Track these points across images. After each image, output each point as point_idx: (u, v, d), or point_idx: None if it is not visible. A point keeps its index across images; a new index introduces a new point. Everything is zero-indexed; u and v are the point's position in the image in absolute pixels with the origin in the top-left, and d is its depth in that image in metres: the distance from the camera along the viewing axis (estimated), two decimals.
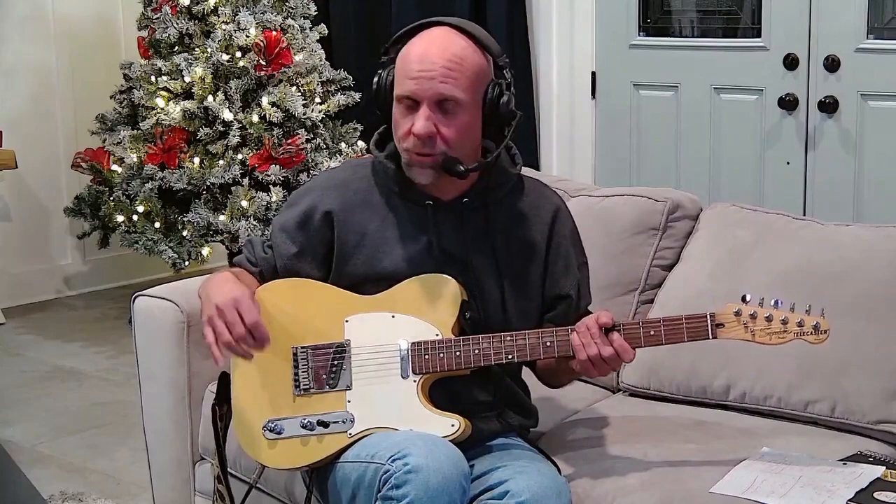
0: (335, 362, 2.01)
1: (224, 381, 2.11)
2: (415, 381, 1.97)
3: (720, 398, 2.34)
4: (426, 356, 1.97)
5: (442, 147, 1.97)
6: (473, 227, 2.07)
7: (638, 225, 2.58)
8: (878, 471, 1.94)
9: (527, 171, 2.63)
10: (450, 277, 2.01)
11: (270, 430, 2.00)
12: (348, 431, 1.97)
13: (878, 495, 1.85)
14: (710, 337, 1.93)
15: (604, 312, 1.95)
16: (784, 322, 1.89)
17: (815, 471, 1.96)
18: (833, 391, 2.23)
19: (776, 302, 1.90)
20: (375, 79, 2.05)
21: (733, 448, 2.09)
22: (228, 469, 2.31)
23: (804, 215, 3.50)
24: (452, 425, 1.94)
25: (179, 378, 2.53)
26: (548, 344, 1.95)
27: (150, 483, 2.67)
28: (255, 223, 4.19)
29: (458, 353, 1.96)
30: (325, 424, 1.98)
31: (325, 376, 2.00)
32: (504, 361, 1.96)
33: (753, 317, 1.90)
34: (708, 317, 1.92)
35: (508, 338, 1.96)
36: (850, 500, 1.84)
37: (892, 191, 3.79)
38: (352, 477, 1.90)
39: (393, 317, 2.01)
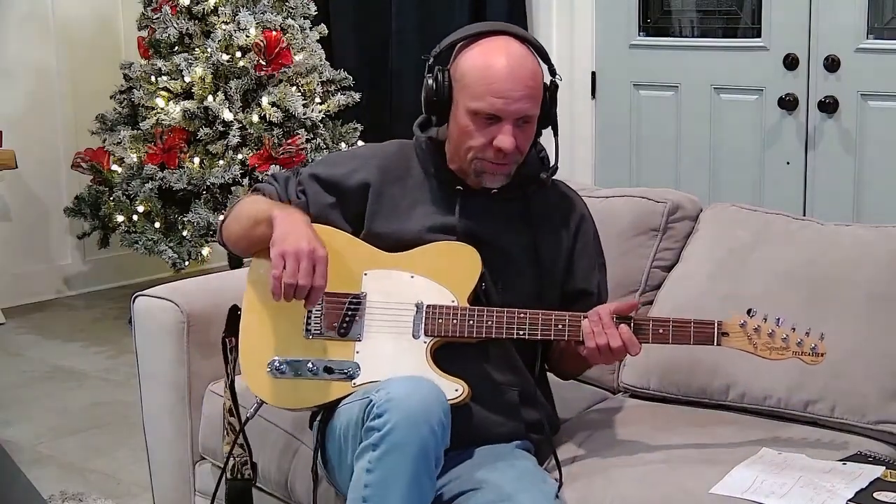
0: (349, 312, 2.05)
1: (233, 313, 2.14)
2: (425, 343, 2.01)
3: (720, 398, 2.34)
4: (440, 320, 2.01)
5: (516, 155, 2.07)
6: (502, 215, 2.13)
7: (638, 226, 2.58)
8: (878, 471, 1.94)
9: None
10: (471, 247, 2.06)
11: (276, 369, 2.03)
12: (353, 381, 2.00)
13: (878, 495, 1.85)
14: (715, 343, 1.99)
15: (622, 303, 2.02)
16: (785, 340, 1.97)
17: (815, 471, 1.96)
18: (833, 391, 2.23)
19: (778, 320, 1.98)
20: (431, 81, 2.06)
21: (733, 448, 2.09)
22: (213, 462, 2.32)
23: (804, 215, 3.51)
24: (456, 389, 1.96)
25: (179, 378, 2.52)
26: (559, 326, 2.00)
27: (150, 483, 2.67)
28: None
29: (471, 322, 2.00)
30: (330, 371, 2.01)
31: (336, 324, 2.04)
32: (515, 336, 2.00)
33: (757, 330, 1.98)
34: (716, 324, 1.99)
35: (522, 314, 2.00)
36: (850, 500, 1.84)
37: (892, 191, 3.79)
38: (347, 416, 1.95)
39: (412, 277, 2.06)
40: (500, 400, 2.07)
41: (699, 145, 4.22)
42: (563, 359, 2.18)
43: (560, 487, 2.01)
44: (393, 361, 2.00)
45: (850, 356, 2.24)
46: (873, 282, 2.29)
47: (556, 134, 2.17)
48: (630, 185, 4.07)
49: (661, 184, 3.86)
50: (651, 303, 2.52)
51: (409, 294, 2.04)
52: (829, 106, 3.85)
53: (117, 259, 5.23)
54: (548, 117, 2.13)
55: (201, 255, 4.36)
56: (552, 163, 2.20)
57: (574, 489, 2.00)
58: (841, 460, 2.02)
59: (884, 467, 1.96)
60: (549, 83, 2.12)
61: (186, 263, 4.36)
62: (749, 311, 1.98)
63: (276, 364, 2.03)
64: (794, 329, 1.97)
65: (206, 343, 2.48)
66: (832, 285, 2.30)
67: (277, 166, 4.24)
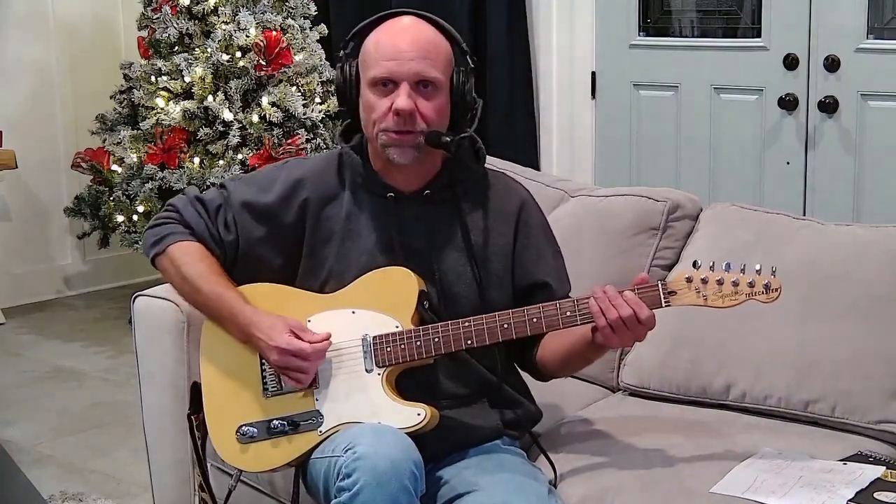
0: None
1: (196, 389, 2.13)
2: (379, 374, 1.98)
3: (720, 398, 2.34)
4: (388, 348, 1.98)
5: (422, 125, 1.99)
6: (439, 220, 2.08)
7: (638, 225, 2.58)
8: (878, 471, 1.94)
9: (515, 169, 2.63)
10: (406, 269, 2.02)
11: (243, 435, 2.02)
12: (318, 429, 1.99)
13: (878, 495, 1.85)
14: (663, 305, 1.91)
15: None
16: (735, 284, 1.88)
17: (815, 471, 1.96)
18: (833, 391, 2.23)
19: (727, 265, 1.89)
20: (338, 72, 2.07)
21: (733, 448, 2.09)
22: (221, 468, 2.32)
23: (804, 215, 3.50)
24: (419, 414, 1.95)
25: (179, 378, 2.52)
26: (505, 326, 1.96)
27: (150, 483, 2.67)
28: None
29: (417, 343, 1.97)
30: (295, 424, 2.00)
31: None
32: (464, 347, 1.97)
33: (705, 281, 1.89)
34: (659, 285, 1.92)
35: (466, 323, 1.96)
36: (850, 500, 1.84)
37: (892, 191, 3.79)
38: (321, 472, 1.93)
39: (353, 313, 2.02)
40: (470, 410, 2.06)
41: (699, 145, 4.21)
42: (566, 357, 2.09)
43: (556, 475, 2.02)
44: (352, 401, 1.98)
45: (850, 356, 2.24)
46: (873, 282, 2.29)
47: (472, 117, 2.06)
48: (630, 185, 4.07)
49: (661, 183, 3.84)
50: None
51: (353, 330, 2.01)
52: (829, 106, 3.85)
53: (117, 259, 5.23)
54: (463, 99, 2.03)
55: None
56: (482, 160, 2.14)
57: (574, 488, 2.01)
58: (841, 460, 2.02)
59: (884, 467, 1.96)
60: (456, 64, 2.04)
61: None
62: (694, 263, 1.90)
63: (244, 430, 2.02)
64: (743, 270, 1.89)
65: None
66: (832, 285, 2.30)
67: None
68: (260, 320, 2.01)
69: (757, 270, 1.89)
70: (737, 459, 2.03)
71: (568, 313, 1.94)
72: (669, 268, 2.55)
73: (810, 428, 2.24)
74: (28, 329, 4.80)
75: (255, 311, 2.03)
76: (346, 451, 1.84)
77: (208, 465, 2.24)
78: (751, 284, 1.88)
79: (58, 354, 4.45)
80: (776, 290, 1.89)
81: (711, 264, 1.90)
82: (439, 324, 1.98)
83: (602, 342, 1.94)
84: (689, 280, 1.90)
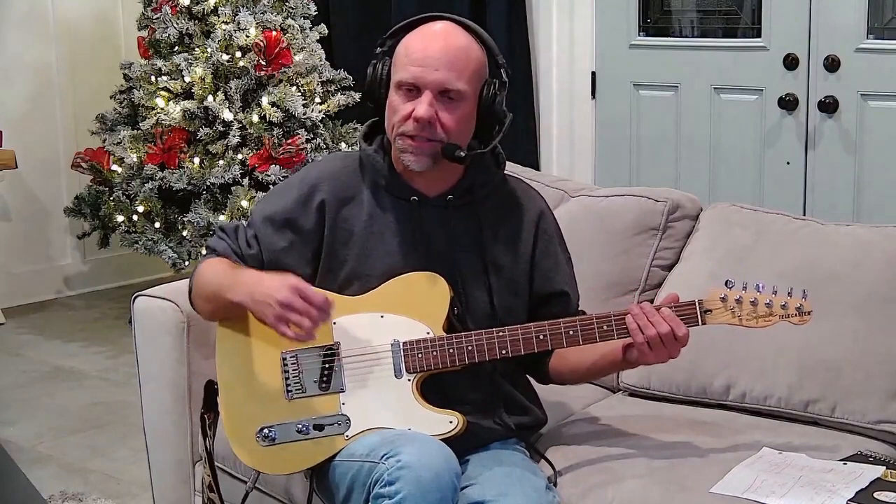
0: (326, 365, 2.00)
1: (210, 388, 2.11)
2: (409, 380, 1.97)
3: (720, 398, 2.34)
4: (419, 355, 1.97)
5: (441, 134, 1.99)
6: (459, 224, 2.08)
7: (638, 225, 2.58)
8: (878, 471, 1.95)
9: (515, 170, 2.64)
10: (437, 275, 2.01)
11: (264, 437, 2.00)
12: (345, 433, 1.97)
13: (878, 495, 1.85)
14: (700, 323, 1.94)
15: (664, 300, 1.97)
16: (769, 305, 1.92)
17: (815, 471, 1.96)
18: (833, 391, 2.23)
19: (758, 286, 1.92)
20: (370, 69, 2.06)
21: (733, 448, 2.10)
22: (227, 469, 2.32)
23: (804, 215, 3.50)
24: (451, 422, 1.95)
25: (179, 378, 2.52)
26: (541, 337, 1.96)
27: (150, 483, 2.67)
28: None
29: (451, 351, 1.96)
30: (320, 427, 1.98)
31: (316, 380, 2.00)
32: (498, 357, 1.97)
33: (739, 301, 1.92)
34: (697, 304, 1.94)
35: (500, 333, 1.96)
36: (850, 500, 1.84)
37: (892, 191, 3.79)
38: (347, 475, 1.91)
39: (382, 317, 2.01)
40: (487, 416, 2.06)
41: (699, 145, 4.21)
42: (589, 370, 2.11)
43: (556, 474, 2.02)
44: (381, 406, 1.97)
45: (850, 356, 2.24)
46: (873, 282, 2.29)
47: (499, 130, 2.05)
48: (630, 185, 4.07)
49: (661, 184, 3.84)
50: (651, 301, 2.52)
51: (382, 334, 1.99)
52: (829, 106, 3.85)
53: (117, 259, 5.23)
54: (490, 112, 2.02)
55: (201, 255, 4.36)
56: (502, 166, 2.14)
57: (575, 488, 2.01)
58: (841, 460, 2.02)
59: (884, 467, 1.96)
60: (490, 75, 2.03)
61: (186, 263, 4.36)
62: (727, 283, 1.92)
63: (265, 432, 2.00)
64: (775, 292, 1.92)
65: (206, 343, 2.47)
66: (832, 285, 2.30)
67: (277, 166, 4.24)
68: (270, 276, 1.98)
69: (788, 293, 1.92)
70: (737, 459, 2.03)
71: (605, 327, 1.95)
72: (669, 268, 2.55)
73: (810, 428, 2.24)
74: (28, 329, 4.80)
75: (261, 273, 2.01)
76: (388, 458, 1.82)
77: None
78: (784, 306, 1.92)
79: (58, 354, 4.45)
80: (808, 312, 1.92)
81: (744, 284, 1.92)
82: (472, 332, 1.97)
83: (636, 359, 1.97)
84: (723, 299, 1.93)
